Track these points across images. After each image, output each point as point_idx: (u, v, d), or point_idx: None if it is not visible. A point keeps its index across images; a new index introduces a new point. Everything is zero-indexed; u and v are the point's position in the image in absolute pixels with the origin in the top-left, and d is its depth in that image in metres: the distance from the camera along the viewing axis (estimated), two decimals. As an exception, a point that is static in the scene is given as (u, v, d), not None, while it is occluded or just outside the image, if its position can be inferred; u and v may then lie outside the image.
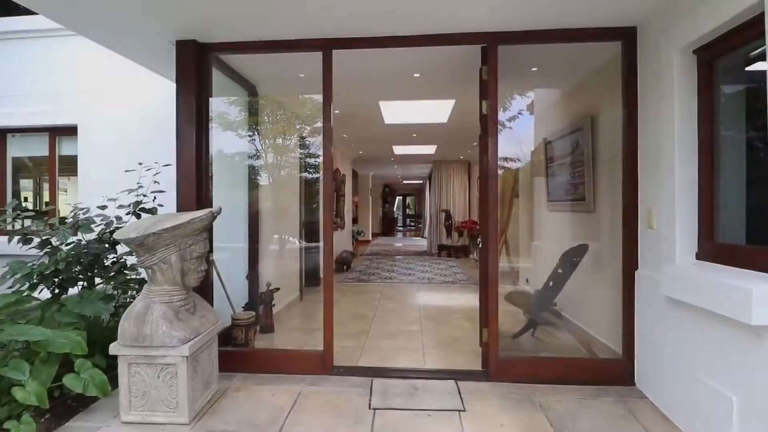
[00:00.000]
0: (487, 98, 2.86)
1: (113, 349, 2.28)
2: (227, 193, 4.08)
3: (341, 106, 5.06)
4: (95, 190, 4.17)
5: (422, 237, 16.16)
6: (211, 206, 3.04)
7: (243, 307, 3.74)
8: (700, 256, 2.30)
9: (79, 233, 2.84)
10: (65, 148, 4.56)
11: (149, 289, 2.37)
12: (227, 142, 4.06)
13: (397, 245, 13.72)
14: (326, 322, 2.94)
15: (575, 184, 3.73)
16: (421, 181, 18.39)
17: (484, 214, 2.90)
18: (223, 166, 4.06)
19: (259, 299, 3.87)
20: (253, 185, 4.20)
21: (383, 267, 8.52)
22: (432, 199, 11.55)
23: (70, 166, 4.47)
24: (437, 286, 6.38)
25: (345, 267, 8.04)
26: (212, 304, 3.08)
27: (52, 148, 4.52)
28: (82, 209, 3.05)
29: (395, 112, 5.49)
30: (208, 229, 2.46)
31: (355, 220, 13.14)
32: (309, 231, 5.46)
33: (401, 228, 22.66)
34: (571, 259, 3.29)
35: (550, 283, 3.38)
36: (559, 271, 3.32)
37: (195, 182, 2.94)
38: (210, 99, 3.06)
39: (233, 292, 3.68)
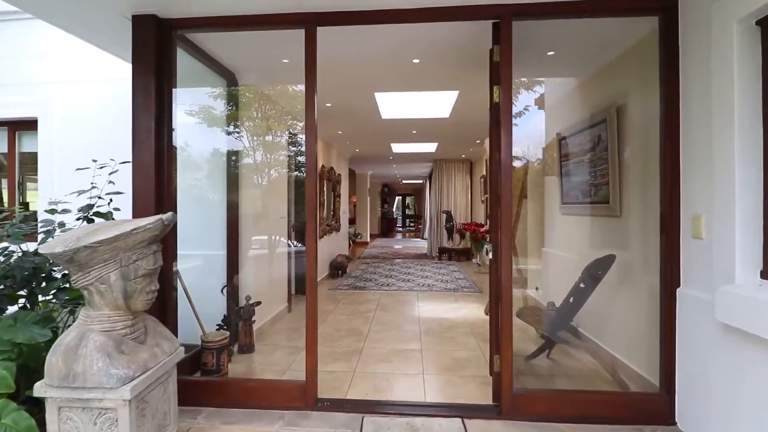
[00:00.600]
0: (500, 83, 2.42)
1: (38, 390, 1.83)
2: (201, 195, 3.64)
3: (333, 98, 4.63)
4: (58, 191, 3.74)
5: (422, 239, 15.69)
6: (175, 210, 2.60)
7: (218, 326, 3.29)
8: (766, 275, 1.86)
9: (7, 242, 2.40)
10: (30, 144, 4.11)
11: (86, 314, 1.92)
12: (202, 137, 3.62)
13: (396, 247, 13.26)
14: (308, 349, 2.49)
15: (596, 185, 3.28)
16: (421, 181, 17.93)
17: (496, 221, 2.45)
18: (197, 164, 3.62)
19: (236, 315, 3.42)
20: (233, 185, 3.75)
21: (381, 272, 8.06)
22: (432, 199, 11.10)
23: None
24: (438, 294, 5.93)
25: (340, 272, 7.59)
26: (176, 325, 2.63)
27: (11, 144, 4.06)
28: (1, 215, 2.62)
29: (393, 105, 5.04)
30: (160, 241, 2.01)
31: (352, 221, 12.69)
32: (300, 234, 5.02)
33: (401, 228, 22.19)
34: (596, 272, 2.84)
35: (570, 299, 2.93)
36: (581, 285, 2.87)
37: (154, 182, 2.50)
38: (175, 83, 2.62)
39: (207, 307, 3.25)
